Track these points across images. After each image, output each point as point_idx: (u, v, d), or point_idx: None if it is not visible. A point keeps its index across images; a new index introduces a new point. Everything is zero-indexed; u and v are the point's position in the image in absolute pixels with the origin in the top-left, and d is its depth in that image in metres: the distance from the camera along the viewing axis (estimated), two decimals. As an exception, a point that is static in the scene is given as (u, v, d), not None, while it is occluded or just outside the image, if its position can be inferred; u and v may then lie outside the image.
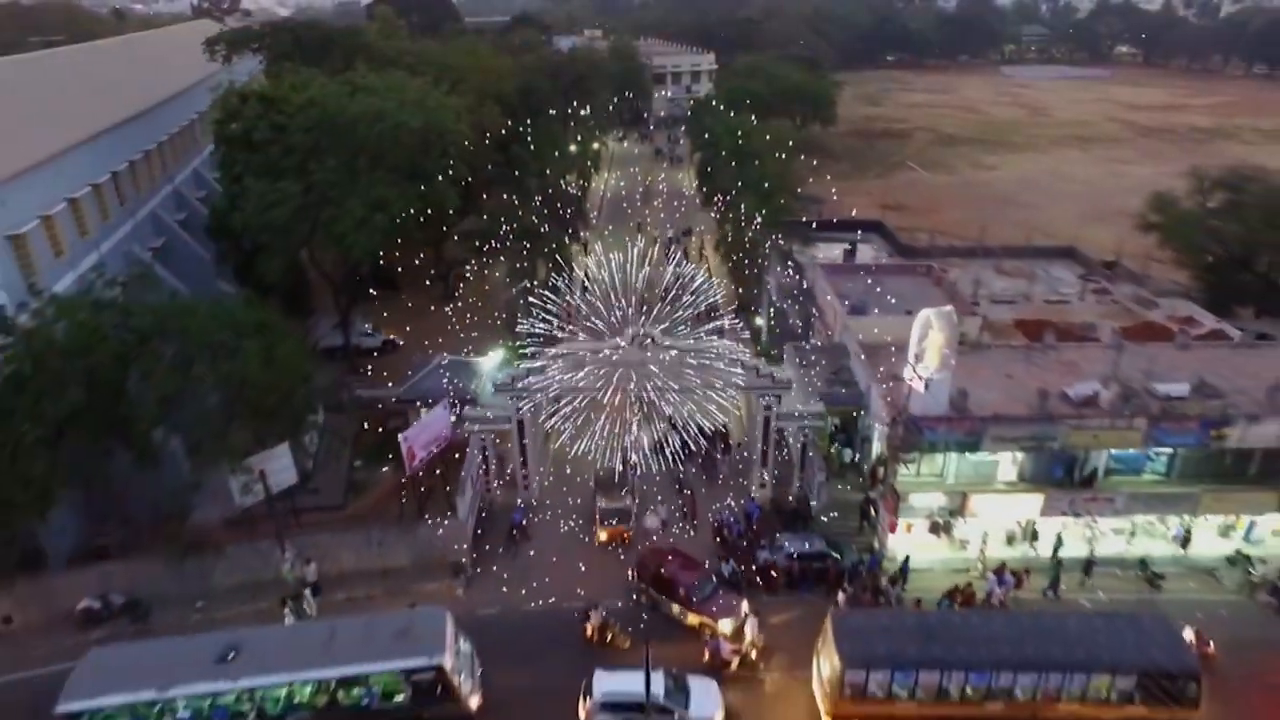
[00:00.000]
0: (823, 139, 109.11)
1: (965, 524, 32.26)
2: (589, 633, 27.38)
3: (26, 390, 26.61)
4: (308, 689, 23.02)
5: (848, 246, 54.17)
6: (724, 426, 38.82)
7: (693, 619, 27.92)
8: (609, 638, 27.33)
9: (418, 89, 41.47)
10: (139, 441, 27.73)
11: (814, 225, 52.92)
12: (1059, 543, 31.54)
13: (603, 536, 32.20)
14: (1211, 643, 27.25)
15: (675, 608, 28.28)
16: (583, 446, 30.29)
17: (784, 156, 56.95)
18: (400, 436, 29.55)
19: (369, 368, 43.77)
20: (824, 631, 25.47)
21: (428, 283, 54.93)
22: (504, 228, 43.51)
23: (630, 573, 29.83)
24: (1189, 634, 27.06)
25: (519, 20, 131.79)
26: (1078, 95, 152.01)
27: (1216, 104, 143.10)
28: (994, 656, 24.13)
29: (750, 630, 27.01)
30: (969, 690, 24.10)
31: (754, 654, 26.73)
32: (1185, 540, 32.09)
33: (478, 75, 55.02)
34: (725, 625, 27.28)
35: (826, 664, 24.81)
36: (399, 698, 23.28)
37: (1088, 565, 31.05)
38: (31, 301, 28.62)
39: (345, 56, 49.86)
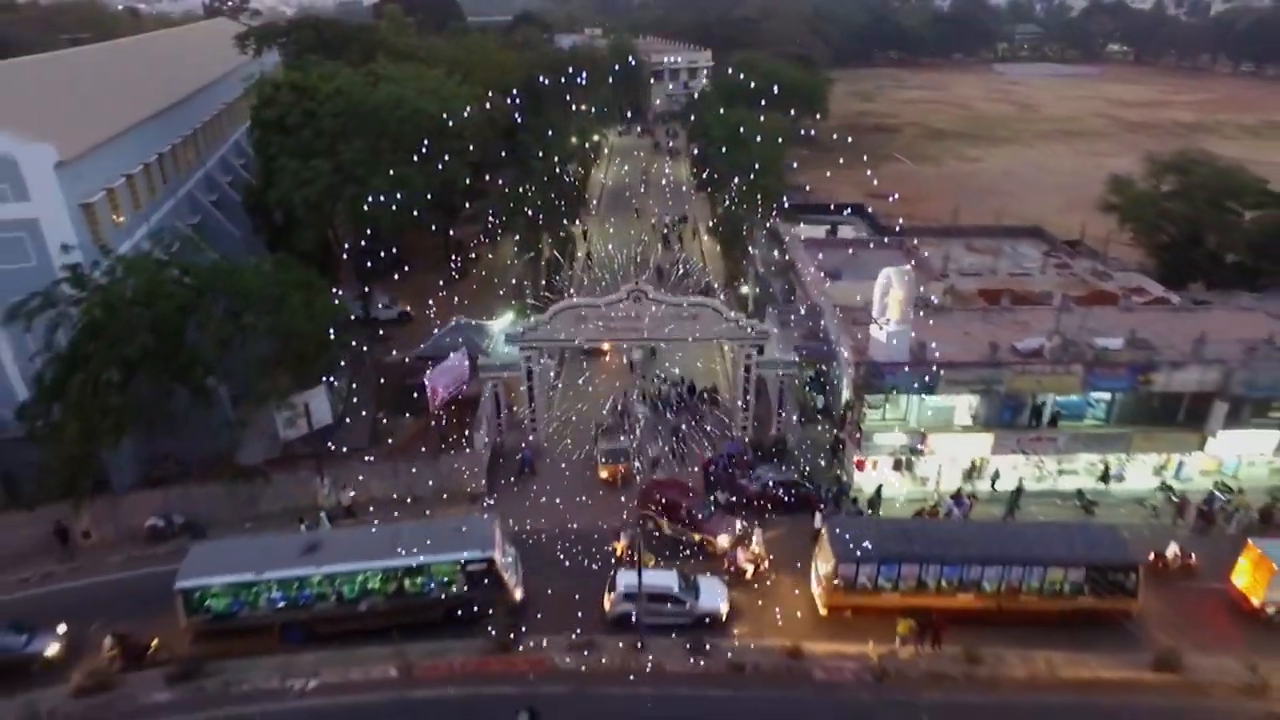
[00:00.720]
0: (815, 132, 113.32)
1: (925, 461, 36.39)
2: (620, 551, 31.13)
3: (102, 336, 30.75)
4: (379, 577, 27.26)
5: (829, 227, 58.25)
6: (713, 385, 43.12)
7: (694, 536, 31.90)
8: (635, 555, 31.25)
9: (433, 79, 45.69)
10: (197, 380, 31.83)
11: (819, 206, 57.08)
12: (996, 476, 35.68)
13: (604, 475, 36.17)
14: (1194, 555, 31.21)
15: (679, 528, 32.20)
16: (586, 392, 34.45)
17: (775, 143, 60.88)
18: (425, 376, 33.74)
19: (381, 333, 47.90)
20: (820, 538, 29.89)
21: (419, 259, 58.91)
22: (509, 206, 47.60)
23: (636, 500, 33.83)
24: (1173, 549, 31.27)
25: (521, 19, 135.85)
26: (1067, 92, 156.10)
27: (1201, 100, 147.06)
28: (965, 553, 28.38)
29: (757, 543, 31.09)
30: (943, 583, 28.28)
31: (765, 564, 30.77)
32: (1106, 474, 36.23)
33: (485, 69, 59.22)
34: (723, 540, 31.42)
35: (823, 563, 29.02)
36: (455, 587, 27.46)
37: (1017, 494, 35.01)
38: (102, 261, 32.72)
39: (363, 50, 54.11)
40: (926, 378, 34.29)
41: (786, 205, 57.07)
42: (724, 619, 28.47)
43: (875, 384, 34.37)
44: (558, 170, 53.20)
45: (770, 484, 33.92)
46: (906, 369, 34.18)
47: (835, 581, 28.27)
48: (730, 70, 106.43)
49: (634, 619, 27.52)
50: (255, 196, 43.75)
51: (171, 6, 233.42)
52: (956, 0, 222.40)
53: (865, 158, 71.99)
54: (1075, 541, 29.29)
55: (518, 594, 28.39)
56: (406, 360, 40.98)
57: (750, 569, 30.55)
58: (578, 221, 66.50)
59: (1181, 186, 51.95)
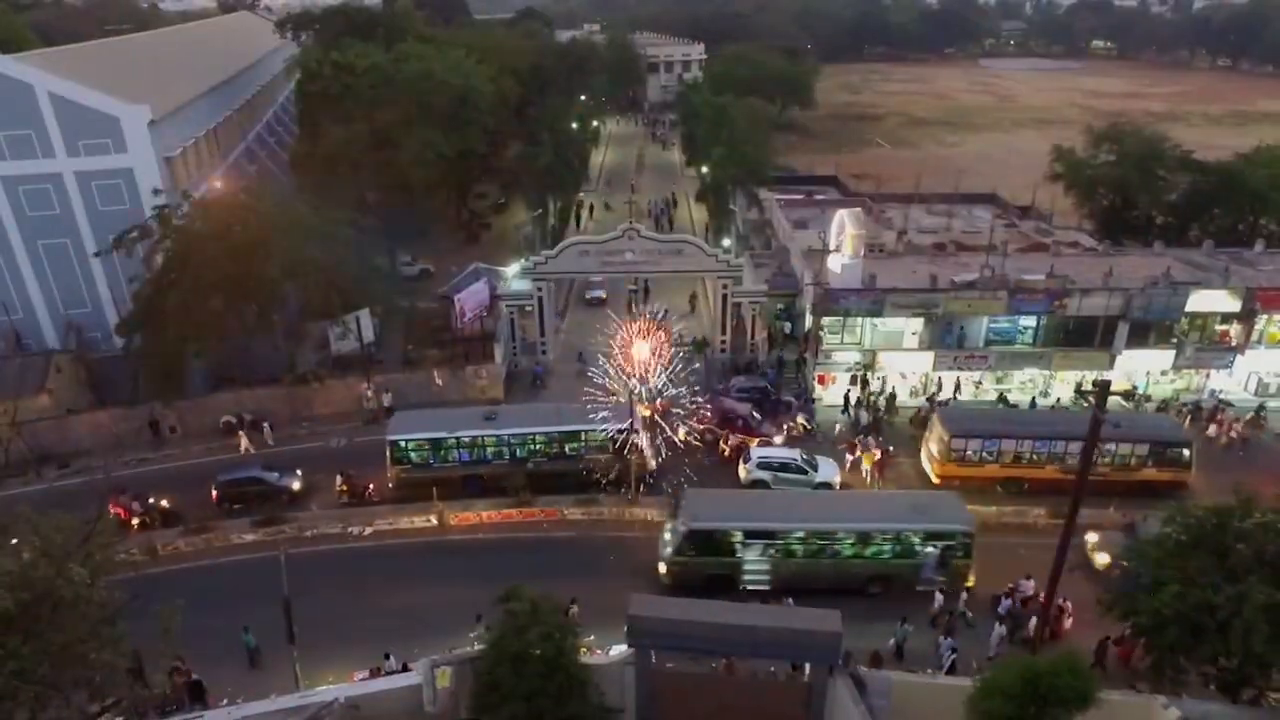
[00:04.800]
0: (801, 120, 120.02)
1: (877, 377, 42.85)
2: (726, 452, 37.03)
3: (188, 264, 37.22)
4: (541, 440, 33.75)
5: (804, 194, 64.78)
6: (705, 337, 49.38)
7: (751, 440, 37.24)
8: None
9: (454, 58, 52.26)
10: (264, 299, 38.28)
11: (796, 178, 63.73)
12: (937, 392, 42.18)
13: (645, 412, 40.13)
14: None
15: (739, 434, 37.62)
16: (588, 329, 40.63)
17: (756, 119, 67.48)
18: (454, 298, 40.20)
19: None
20: (931, 420, 36.47)
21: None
22: (520, 170, 54.16)
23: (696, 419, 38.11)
24: None
25: (523, 14, 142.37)
26: (1045, 84, 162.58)
27: (1174, 92, 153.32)
28: (1052, 432, 34.52)
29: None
30: (1034, 456, 34.21)
31: (891, 448, 37.11)
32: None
33: (497, 53, 65.77)
34: (777, 439, 37.40)
35: (935, 441, 35.36)
36: (603, 453, 33.51)
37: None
38: (183, 204, 39.19)
39: (388, 35, 60.69)
40: (874, 301, 40.84)
41: (768, 176, 63.67)
42: (838, 488, 34.66)
43: (831, 307, 40.89)
44: (562, 143, 59.63)
45: (739, 390, 40.37)
46: (858, 294, 40.74)
47: (950, 453, 34.46)
48: (721, 61, 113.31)
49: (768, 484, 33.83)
50: (300, 158, 50.21)
51: (180, 4, 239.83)
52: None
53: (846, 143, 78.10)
54: (1140, 423, 36.19)
55: (652, 463, 34.23)
56: (440, 293, 46.81)
57: (878, 453, 36.70)
58: (580, 194, 72.99)
59: (1116, 155, 58.38)
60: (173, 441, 38.90)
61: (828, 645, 21.28)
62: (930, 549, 28.31)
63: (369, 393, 39.73)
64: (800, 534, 28.52)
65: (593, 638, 24.78)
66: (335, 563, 30.58)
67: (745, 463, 34.89)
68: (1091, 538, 31.41)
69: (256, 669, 26.01)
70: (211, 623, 25.60)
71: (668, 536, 29.56)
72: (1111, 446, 33.84)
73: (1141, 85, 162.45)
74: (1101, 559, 30.39)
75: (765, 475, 34.28)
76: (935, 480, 35.19)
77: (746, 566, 28.77)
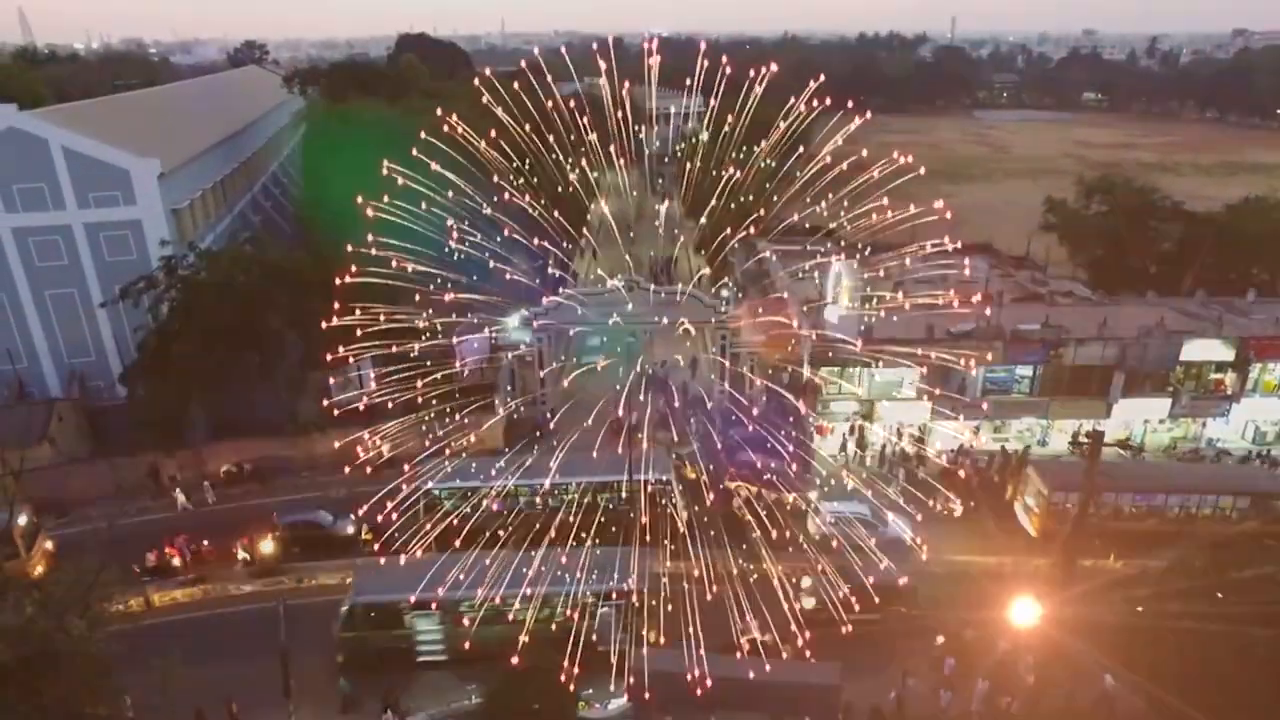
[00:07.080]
0: (796, 169, 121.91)
1: (873, 427, 43.06)
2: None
3: (192, 314, 37.72)
4: (578, 489, 33.86)
5: (801, 246, 65.54)
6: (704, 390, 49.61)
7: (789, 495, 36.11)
8: None
9: (459, 111, 53.34)
10: (267, 351, 38.65)
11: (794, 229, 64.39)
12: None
13: (690, 475, 38.66)
14: None
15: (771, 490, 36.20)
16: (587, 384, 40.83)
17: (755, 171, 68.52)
18: (454, 342, 40.59)
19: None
20: (1025, 475, 36.21)
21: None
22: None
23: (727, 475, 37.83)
24: None
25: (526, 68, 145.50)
26: (1038, 135, 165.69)
27: (1164, 143, 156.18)
28: (1152, 484, 34.56)
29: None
30: (1135, 508, 34.11)
31: (974, 503, 36.92)
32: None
33: (499, 106, 67.23)
34: (813, 495, 36.39)
35: (1033, 496, 35.22)
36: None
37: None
38: (189, 255, 39.82)
39: (392, 89, 62.10)
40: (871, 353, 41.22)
41: (765, 228, 64.49)
42: (908, 544, 33.28)
43: (828, 358, 41.26)
44: (561, 194, 60.50)
45: (733, 435, 40.48)
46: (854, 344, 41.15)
47: (1050, 508, 34.23)
48: (720, 112, 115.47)
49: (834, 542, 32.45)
50: (305, 211, 51.08)
51: (190, 58, 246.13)
52: (939, 51, 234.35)
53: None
54: (1240, 476, 36.32)
55: (683, 515, 33.43)
56: (441, 342, 47.10)
57: (959, 508, 36.24)
58: (580, 243, 73.81)
59: (1108, 206, 59.40)
60: (173, 490, 38.87)
61: (827, 699, 21.24)
62: (605, 609, 27.42)
63: (369, 442, 39.78)
64: (470, 602, 26.86)
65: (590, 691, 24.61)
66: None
67: (814, 515, 34.63)
68: (805, 582, 31.30)
69: (350, 714, 25.99)
70: (209, 672, 25.49)
71: (343, 611, 28.46)
72: (1212, 498, 33.76)
73: (1132, 136, 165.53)
74: (809, 603, 30.13)
75: (832, 530, 33.54)
76: (1033, 534, 35.07)
77: (420, 639, 28.02)
